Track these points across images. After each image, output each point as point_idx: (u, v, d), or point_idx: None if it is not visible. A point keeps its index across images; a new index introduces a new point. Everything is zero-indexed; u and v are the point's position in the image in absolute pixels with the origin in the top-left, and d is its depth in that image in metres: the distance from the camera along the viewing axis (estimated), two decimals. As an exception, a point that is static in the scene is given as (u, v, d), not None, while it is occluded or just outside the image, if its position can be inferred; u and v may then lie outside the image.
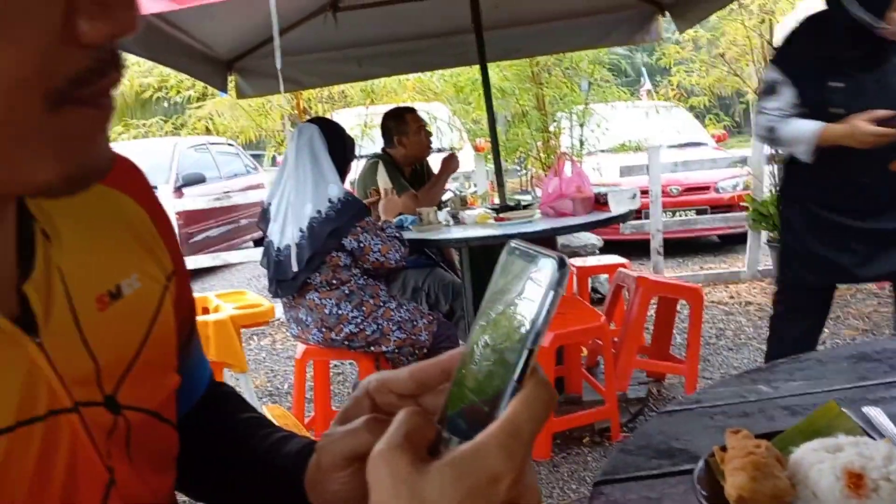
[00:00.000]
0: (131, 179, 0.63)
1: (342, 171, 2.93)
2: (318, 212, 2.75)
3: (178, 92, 7.22)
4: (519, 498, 0.39)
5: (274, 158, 8.34)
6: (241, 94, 4.43)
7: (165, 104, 9.58)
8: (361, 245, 2.78)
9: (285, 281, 2.84)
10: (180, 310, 0.65)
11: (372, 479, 0.39)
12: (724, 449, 0.77)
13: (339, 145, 2.93)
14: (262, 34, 3.84)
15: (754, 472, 0.68)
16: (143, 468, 0.56)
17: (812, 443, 0.73)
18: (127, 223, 0.60)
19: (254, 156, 10.64)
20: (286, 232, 2.82)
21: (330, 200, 2.76)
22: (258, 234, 9.41)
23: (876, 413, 0.93)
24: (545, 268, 0.39)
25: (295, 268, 2.74)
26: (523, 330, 0.39)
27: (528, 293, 0.40)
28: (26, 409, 0.46)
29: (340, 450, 0.50)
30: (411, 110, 3.86)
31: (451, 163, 3.75)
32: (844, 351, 1.22)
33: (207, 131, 7.77)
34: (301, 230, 2.76)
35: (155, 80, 8.49)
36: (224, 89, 4.46)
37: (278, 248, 2.85)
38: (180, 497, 0.68)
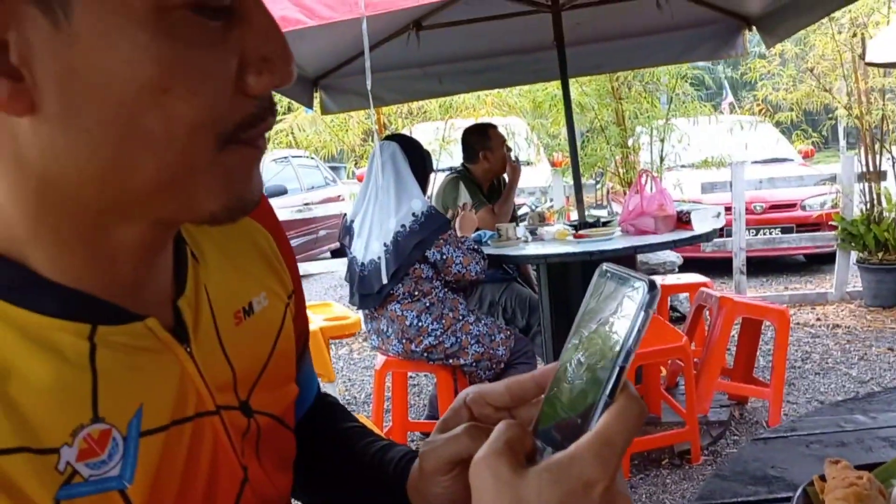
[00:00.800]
0: (259, 206, 0.69)
1: (423, 186, 3.00)
2: (403, 226, 2.82)
3: (264, 107, 7.50)
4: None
5: (353, 171, 8.52)
6: (325, 111, 4.56)
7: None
8: (444, 257, 2.84)
9: (369, 295, 2.91)
10: (298, 325, 0.70)
11: (475, 482, 0.43)
12: (822, 478, 0.76)
13: (418, 161, 3.00)
14: (347, 53, 3.96)
15: None
16: (269, 468, 0.61)
17: (917, 476, 0.72)
18: (256, 246, 0.66)
19: (332, 168, 10.90)
20: (371, 247, 2.89)
21: (413, 214, 2.82)
22: (335, 245, 9.64)
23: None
24: (637, 289, 0.42)
25: (384, 280, 2.80)
26: (615, 348, 0.42)
27: (620, 313, 0.42)
28: (179, 409, 0.51)
29: (443, 454, 0.54)
30: (493, 126, 3.90)
31: (516, 172, 3.78)
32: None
33: (289, 145, 8.02)
34: (385, 245, 2.83)
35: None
36: (310, 106, 4.60)
37: (362, 264, 2.93)
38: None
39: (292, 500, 0.72)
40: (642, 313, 0.41)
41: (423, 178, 3.01)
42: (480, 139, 3.78)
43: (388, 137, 3.13)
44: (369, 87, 2.33)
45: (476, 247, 2.98)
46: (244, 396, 0.58)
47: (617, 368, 0.42)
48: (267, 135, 0.49)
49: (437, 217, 2.87)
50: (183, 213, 0.47)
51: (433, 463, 0.55)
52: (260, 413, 0.60)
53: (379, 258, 2.84)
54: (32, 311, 0.45)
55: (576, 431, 0.43)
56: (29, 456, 0.43)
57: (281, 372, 0.65)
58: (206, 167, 0.44)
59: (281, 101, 7.34)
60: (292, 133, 7.65)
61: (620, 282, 0.44)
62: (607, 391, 0.42)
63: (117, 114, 0.41)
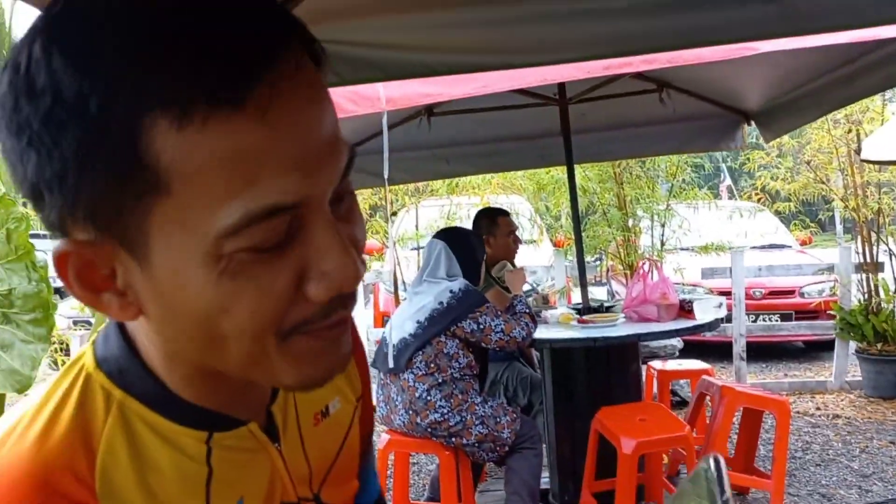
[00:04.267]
0: None
1: (475, 275, 3.12)
2: (441, 303, 2.94)
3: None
4: None
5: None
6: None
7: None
8: (482, 326, 2.92)
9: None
10: (363, 425, 0.79)
11: None
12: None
13: (468, 255, 3.13)
14: (363, 133, 4.10)
15: None
16: None
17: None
18: None
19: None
20: (404, 327, 2.99)
21: (451, 291, 2.95)
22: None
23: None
24: None
25: (403, 361, 2.89)
26: None
27: None
28: (269, 500, 0.61)
29: None
30: (505, 213, 3.96)
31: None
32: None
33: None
34: (419, 321, 2.94)
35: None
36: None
37: (394, 345, 2.98)
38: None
39: None
40: None
41: (474, 270, 3.13)
42: (488, 224, 3.86)
43: (435, 236, 3.24)
44: (386, 175, 2.45)
45: (527, 309, 3.07)
46: (316, 490, 0.67)
47: None
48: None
49: (475, 293, 2.98)
50: (268, 382, 0.58)
51: None
52: None
53: (410, 335, 2.93)
54: (169, 419, 0.56)
55: None
56: None
57: (347, 468, 0.73)
58: (270, 355, 0.51)
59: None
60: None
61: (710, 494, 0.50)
62: None
63: (199, 323, 0.50)
